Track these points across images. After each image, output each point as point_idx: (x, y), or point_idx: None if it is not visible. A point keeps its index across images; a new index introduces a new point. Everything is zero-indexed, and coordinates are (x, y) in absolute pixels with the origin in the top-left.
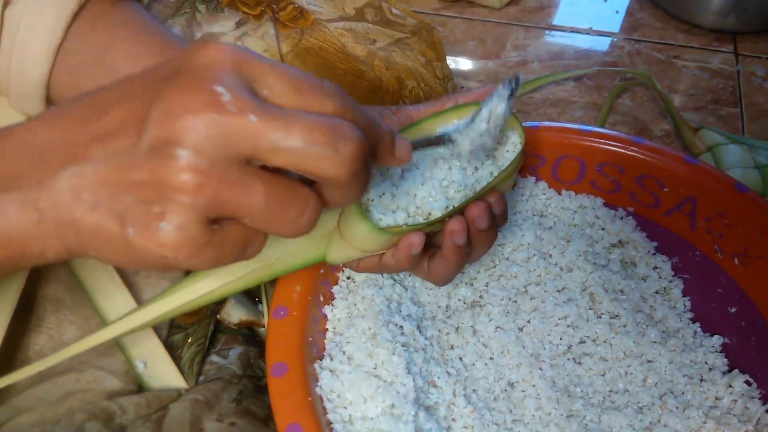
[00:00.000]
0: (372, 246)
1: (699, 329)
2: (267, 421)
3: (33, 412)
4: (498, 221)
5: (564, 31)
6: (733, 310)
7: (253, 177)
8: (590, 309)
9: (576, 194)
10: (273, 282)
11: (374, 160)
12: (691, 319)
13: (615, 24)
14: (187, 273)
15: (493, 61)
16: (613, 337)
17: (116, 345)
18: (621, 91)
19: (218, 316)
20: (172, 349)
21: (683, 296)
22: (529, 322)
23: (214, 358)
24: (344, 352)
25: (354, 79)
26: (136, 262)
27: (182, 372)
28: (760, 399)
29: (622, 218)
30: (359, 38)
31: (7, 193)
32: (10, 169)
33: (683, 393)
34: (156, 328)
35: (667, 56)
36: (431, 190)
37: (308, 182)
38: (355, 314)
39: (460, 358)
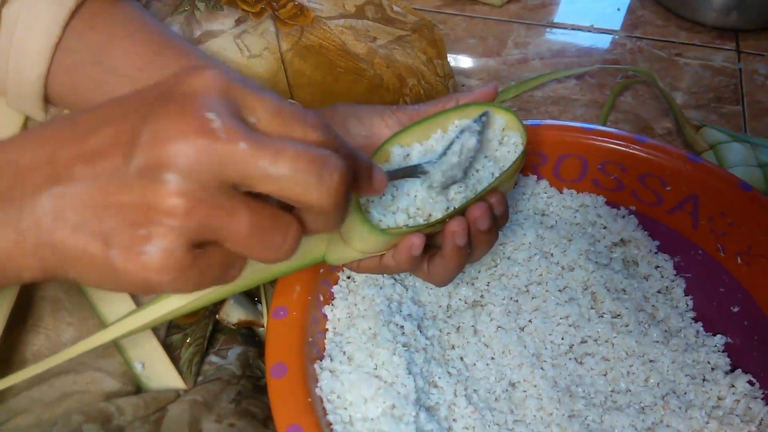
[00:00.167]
0: (372, 247)
1: (701, 329)
2: (266, 422)
3: (30, 414)
4: (499, 222)
5: (565, 28)
6: (736, 309)
7: (239, 203)
8: (592, 308)
9: (578, 193)
10: (272, 282)
11: (354, 189)
12: (693, 319)
13: (616, 21)
14: None
15: (494, 59)
16: (615, 337)
17: (114, 346)
18: (623, 89)
19: (217, 316)
20: (170, 350)
21: (685, 295)
22: (530, 321)
23: (213, 358)
24: (344, 353)
25: (354, 77)
26: (118, 284)
27: (181, 372)
28: (762, 399)
29: (624, 217)
30: (360, 36)
31: None
32: None
33: (685, 393)
34: (154, 328)
35: (668, 54)
36: (431, 191)
37: (288, 207)
38: (355, 314)
39: (461, 358)
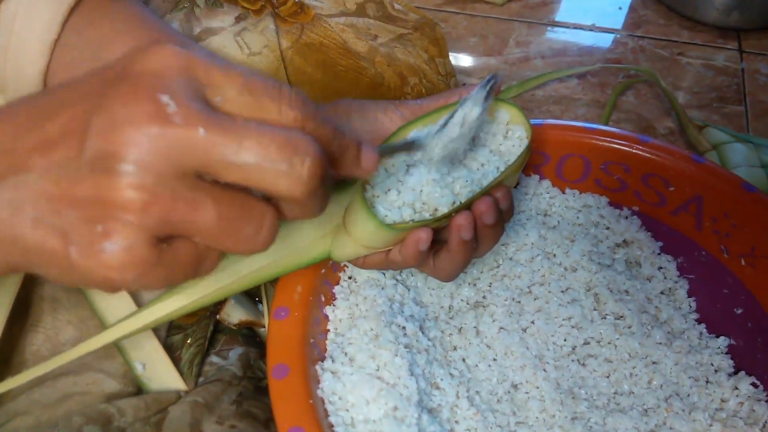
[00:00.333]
0: (379, 243)
1: (705, 330)
2: (268, 424)
3: (29, 416)
4: (504, 216)
5: (567, 27)
6: (740, 311)
7: (203, 193)
8: (595, 310)
9: (580, 193)
10: (273, 282)
11: (338, 170)
12: (696, 320)
13: (618, 20)
14: None
15: (495, 58)
16: (618, 339)
17: (115, 347)
18: (625, 88)
19: (218, 316)
20: (171, 350)
21: (688, 297)
22: (533, 323)
23: (214, 358)
24: (346, 354)
25: (355, 75)
26: (81, 281)
27: (181, 373)
28: (766, 401)
29: (627, 217)
30: (360, 34)
31: None
32: None
33: (689, 395)
34: (155, 328)
35: (670, 53)
36: (437, 185)
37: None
38: (357, 315)
39: (463, 360)
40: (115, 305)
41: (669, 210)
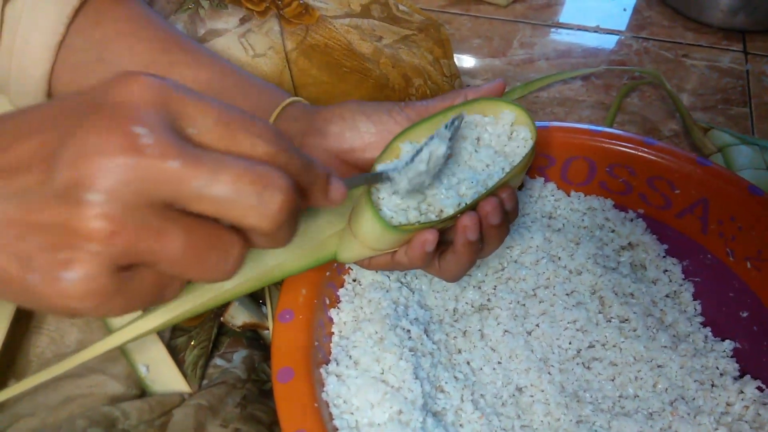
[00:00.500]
0: (385, 244)
1: (710, 334)
2: (272, 427)
3: (34, 418)
4: (510, 216)
5: (571, 29)
6: (745, 314)
7: (171, 223)
8: (600, 313)
9: (585, 196)
10: (277, 284)
11: (307, 201)
12: (702, 324)
13: (622, 22)
14: None
15: (499, 59)
16: (623, 342)
17: (118, 349)
18: (629, 90)
19: (222, 318)
20: (175, 353)
21: (694, 300)
22: (537, 326)
23: (218, 361)
24: (350, 357)
25: (360, 77)
26: (40, 307)
27: (185, 375)
28: None
29: (632, 220)
30: (365, 35)
31: None
32: None
33: (694, 399)
34: (158, 331)
35: (675, 55)
36: (443, 187)
37: None
38: (361, 318)
39: (468, 363)
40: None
41: (674, 213)
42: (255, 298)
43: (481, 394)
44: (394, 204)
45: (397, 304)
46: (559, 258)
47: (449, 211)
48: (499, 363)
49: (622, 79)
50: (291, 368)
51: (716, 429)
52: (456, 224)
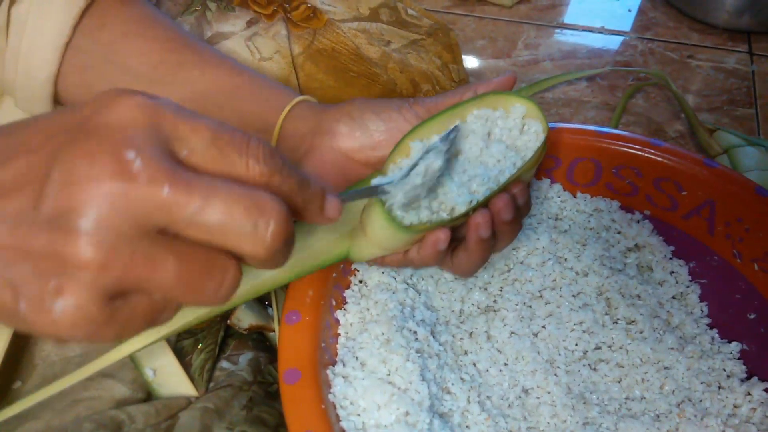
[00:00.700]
0: (397, 244)
1: (717, 335)
2: (278, 429)
3: (39, 420)
4: (522, 211)
5: (576, 29)
6: (752, 316)
7: (164, 250)
8: (606, 314)
9: (592, 197)
10: (283, 286)
11: (303, 218)
12: (708, 325)
13: (627, 23)
14: None
15: (504, 60)
16: (630, 343)
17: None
18: (635, 91)
19: (228, 321)
20: (181, 355)
21: (700, 302)
22: (544, 327)
23: (224, 364)
24: (357, 358)
25: (367, 81)
26: (32, 333)
27: (192, 379)
28: None
29: (638, 222)
30: (373, 39)
31: None
32: None
33: (701, 401)
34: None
35: (680, 56)
36: (454, 184)
37: None
38: (368, 319)
39: (474, 364)
40: None
41: (681, 214)
42: (261, 300)
43: (488, 396)
44: (407, 203)
45: (403, 306)
46: (566, 259)
47: (461, 209)
48: (506, 364)
49: (627, 80)
50: (298, 369)
51: (723, 431)
52: (468, 222)
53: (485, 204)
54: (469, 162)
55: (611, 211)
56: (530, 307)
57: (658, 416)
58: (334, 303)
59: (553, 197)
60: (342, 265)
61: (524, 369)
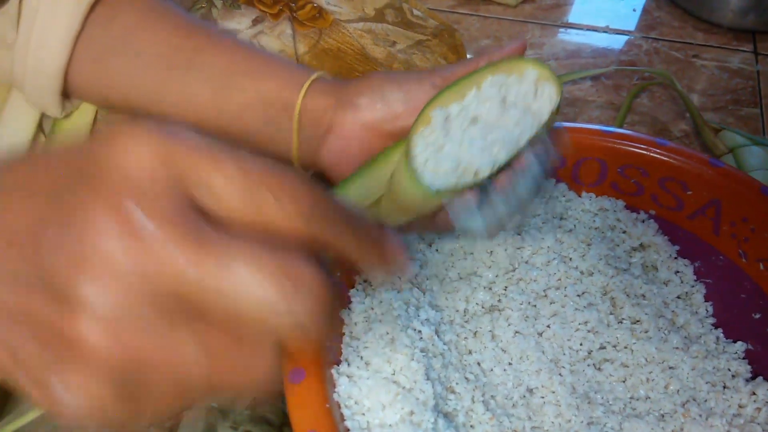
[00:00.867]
0: (425, 208)
1: (721, 335)
2: (282, 428)
3: (42, 420)
4: (544, 169)
5: (580, 29)
6: (758, 316)
7: (182, 328)
8: (611, 314)
9: (597, 196)
10: None
11: (359, 266)
12: (713, 325)
13: (632, 22)
14: None
15: None
16: (635, 343)
17: None
18: (639, 90)
19: None
20: None
21: (705, 301)
22: (548, 327)
23: None
24: (362, 357)
25: None
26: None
27: None
28: None
29: (644, 221)
30: (379, 40)
31: None
32: None
33: (706, 401)
34: None
35: (685, 55)
36: (476, 148)
37: None
38: (372, 318)
39: (479, 364)
40: None
41: (686, 214)
42: None
43: (492, 395)
44: (433, 169)
45: (408, 305)
46: (571, 259)
47: (485, 172)
48: (510, 364)
49: (631, 79)
50: (302, 369)
51: (728, 431)
52: (493, 183)
53: (506, 165)
54: (488, 127)
55: (616, 211)
56: (535, 306)
57: (662, 416)
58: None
59: (557, 196)
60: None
61: (529, 368)
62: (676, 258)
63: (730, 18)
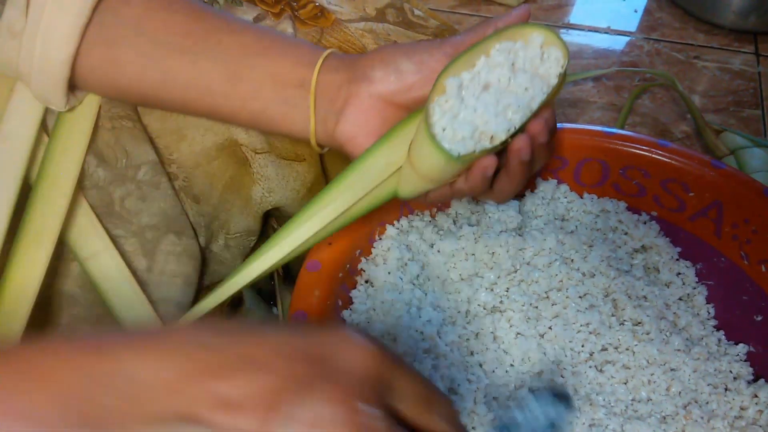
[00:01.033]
0: (446, 175)
1: (723, 337)
2: None
3: None
4: (553, 132)
5: (582, 30)
6: (759, 318)
7: None
8: (613, 316)
9: (598, 198)
10: (288, 285)
11: None
12: (715, 327)
13: (633, 23)
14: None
15: None
16: (636, 345)
17: None
18: (641, 91)
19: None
20: None
21: (707, 303)
22: (550, 328)
23: None
24: None
25: None
26: None
27: None
28: None
29: (645, 223)
30: (380, 40)
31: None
32: (98, 400)
33: (707, 403)
34: None
35: (686, 57)
36: (491, 114)
37: None
38: (374, 319)
39: (481, 365)
40: (129, 303)
41: (688, 215)
42: (266, 300)
43: (494, 397)
44: (451, 137)
45: (410, 306)
46: (572, 260)
47: (502, 137)
48: (512, 365)
49: (633, 80)
50: None
51: None
52: (509, 147)
53: (521, 130)
54: (500, 93)
55: (618, 212)
56: (537, 308)
57: (664, 418)
58: (340, 303)
59: (559, 198)
60: (348, 265)
61: (530, 370)
62: (677, 260)
63: (732, 19)
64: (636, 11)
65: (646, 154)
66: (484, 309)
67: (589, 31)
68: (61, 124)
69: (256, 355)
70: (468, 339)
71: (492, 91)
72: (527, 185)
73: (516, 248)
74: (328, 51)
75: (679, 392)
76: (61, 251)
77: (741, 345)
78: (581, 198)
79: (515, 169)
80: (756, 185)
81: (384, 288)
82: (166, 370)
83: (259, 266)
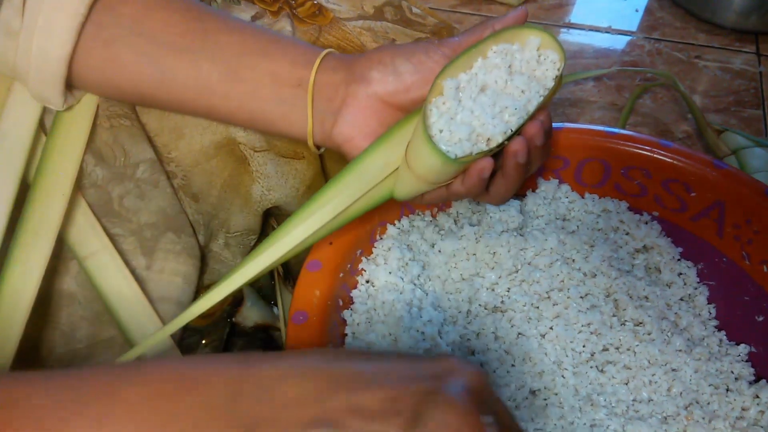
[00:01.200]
0: (443, 177)
1: (725, 337)
2: None
3: None
4: (549, 134)
5: (582, 29)
6: (761, 318)
7: None
8: (614, 316)
9: (600, 198)
10: (290, 286)
11: None
12: (716, 327)
13: (634, 23)
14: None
15: None
16: (637, 345)
17: (128, 346)
18: (642, 91)
19: (234, 319)
20: (187, 352)
21: (708, 303)
22: (551, 328)
23: None
24: None
25: None
26: None
27: None
28: None
29: (647, 223)
30: (378, 38)
31: None
32: (251, 411)
33: (709, 403)
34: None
35: (687, 56)
36: (488, 116)
37: None
38: (375, 319)
39: (482, 365)
40: (128, 303)
41: (690, 216)
42: (266, 299)
43: None
44: (448, 138)
45: (410, 306)
46: (574, 260)
47: (498, 139)
48: (513, 366)
49: (634, 80)
50: None
51: None
52: (506, 150)
53: (517, 132)
54: (497, 95)
55: (619, 212)
56: (538, 308)
57: (665, 418)
58: (341, 303)
59: (561, 198)
60: (349, 265)
61: (531, 370)
62: (679, 260)
63: (733, 19)
64: (637, 11)
65: (648, 154)
66: (486, 309)
67: (590, 30)
68: (59, 123)
69: (381, 374)
70: (469, 339)
71: (489, 93)
72: (528, 185)
73: (517, 248)
74: (326, 51)
75: (681, 393)
76: (60, 250)
77: (742, 345)
78: (582, 198)
79: (511, 171)
80: (758, 185)
81: (385, 288)
82: (307, 383)
83: (256, 265)
